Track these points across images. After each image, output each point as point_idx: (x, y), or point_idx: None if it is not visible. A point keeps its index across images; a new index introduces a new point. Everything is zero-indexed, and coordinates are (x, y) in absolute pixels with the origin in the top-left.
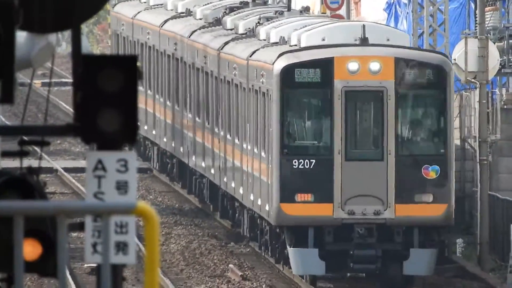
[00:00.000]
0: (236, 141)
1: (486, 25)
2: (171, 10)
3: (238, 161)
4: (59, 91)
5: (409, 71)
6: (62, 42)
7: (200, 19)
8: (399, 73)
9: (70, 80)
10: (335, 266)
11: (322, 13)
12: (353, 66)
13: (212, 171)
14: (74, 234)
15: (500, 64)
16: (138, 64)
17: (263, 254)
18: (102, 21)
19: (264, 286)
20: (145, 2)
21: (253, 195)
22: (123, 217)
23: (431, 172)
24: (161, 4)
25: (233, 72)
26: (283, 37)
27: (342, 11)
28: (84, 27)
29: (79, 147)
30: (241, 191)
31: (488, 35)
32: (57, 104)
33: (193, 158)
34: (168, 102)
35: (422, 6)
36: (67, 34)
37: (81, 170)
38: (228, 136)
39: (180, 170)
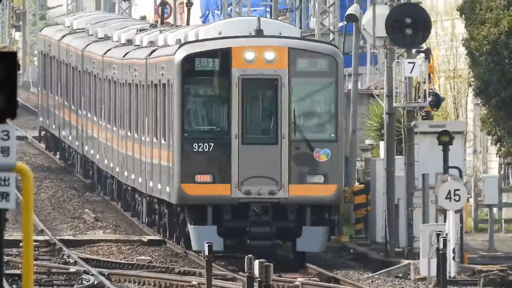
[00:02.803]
0: (136, 135)
1: None
2: (91, 35)
3: (138, 153)
4: None
5: (301, 60)
6: None
7: (117, 41)
8: (292, 62)
9: None
10: (233, 242)
11: (155, 21)
12: (249, 55)
13: (117, 169)
14: None
15: None
16: (18, 58)
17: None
18: None
19: (111, 225)
20: (68, 27)
21: (152, 182)
22: (6, 173)
23: (322, 155)
24: (83, 29)
25: (134, 74)
26: (179, 39)
27: (170, 20)
28: None
29: None
30: (140, 180)
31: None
32: None
33: (105, 161)
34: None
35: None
36: None
37: None
38: (129, 133)
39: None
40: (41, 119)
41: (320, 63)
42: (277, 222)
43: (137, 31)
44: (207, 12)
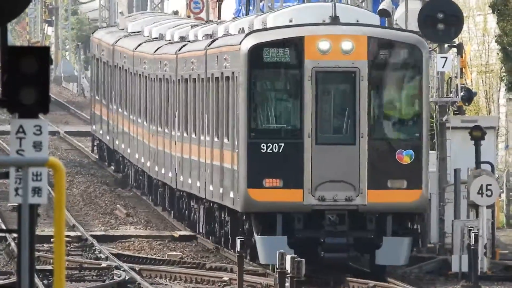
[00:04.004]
0: (193, 135)
1: None
2: (147, 36)
3: (195, 155)
4: None
5: (382, 51)
6: None
7: (169, 39)
8: (372, 53)
9: None
10: (305, 254)
11: (187, 16)
12: (324, 45)
13: (170, 175)
14: (1, 181)
15: None
16: (50, 53)
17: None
18: (21, 21)
19: (143, 221)
20: (122, 29)
21: (212, 186)
22: (38, 168)
23: (405, 157)
24: (139, 32)
25: (191, 67)
26: (243, 28)
27: (203, 15)
28: (9, 25)
29: (5, 116)
30: (198, 184)
31: None
32: None
33: (163, 171)
34: (115, 106)
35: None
36: None
37: (7, 133)
38: (185, 133)
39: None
40: (93, 127)
41: (404, 54)
42: (354, 232)
43: (191, 27)
44: (241, 7)
